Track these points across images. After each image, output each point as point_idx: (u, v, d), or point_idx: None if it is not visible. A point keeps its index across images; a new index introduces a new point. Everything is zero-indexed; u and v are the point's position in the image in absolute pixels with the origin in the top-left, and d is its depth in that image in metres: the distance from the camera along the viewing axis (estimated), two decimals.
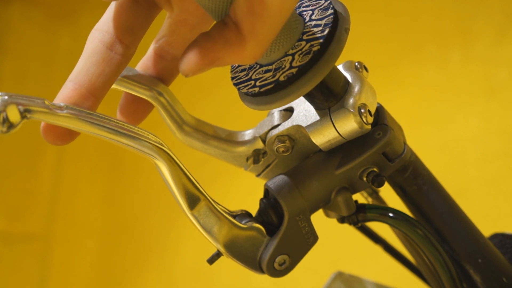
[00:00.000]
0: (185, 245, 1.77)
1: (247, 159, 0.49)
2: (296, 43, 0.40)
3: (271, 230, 0.44)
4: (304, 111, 0.45)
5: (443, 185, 0.50)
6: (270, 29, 0.35)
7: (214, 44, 0.35)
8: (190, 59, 0.35)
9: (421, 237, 0.47)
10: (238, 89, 0.42)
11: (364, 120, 0.43)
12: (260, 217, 0.45)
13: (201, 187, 0.42)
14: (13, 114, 0.33)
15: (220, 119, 1.14)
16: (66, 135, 0.38)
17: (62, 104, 0.36)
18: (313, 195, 0.44)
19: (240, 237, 0.43)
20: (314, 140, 0.44)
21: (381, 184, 0.44)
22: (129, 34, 0.41)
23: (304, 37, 0.40)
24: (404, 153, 0.45)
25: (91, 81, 0.39)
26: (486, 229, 0.52)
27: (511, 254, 0.53)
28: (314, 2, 0.42)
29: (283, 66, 0.40)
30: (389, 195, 0.53)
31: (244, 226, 0.43)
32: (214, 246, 0.43)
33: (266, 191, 0.45)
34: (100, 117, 0.37)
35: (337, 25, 0.40)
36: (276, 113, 0.48)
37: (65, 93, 0.38)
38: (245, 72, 0.43)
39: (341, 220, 0.47)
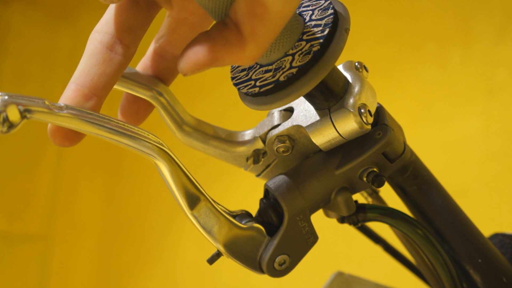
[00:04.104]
0: (185, 245, 1.77)
1: (247, 159, 0.49)
2: (296, 43, 0.40)
3: (271, 230, 0.44)
4: (304, 111, 0.45)
5: (443, 185, 0.50)
6: (270, 31, 0.35)
7: (214, 44, 0.35)
8: (190, 58, 0.35)
9: (421, 237, 0.47)
10: (238, 89, 0.42)
11: (364, 120, 0.43)
12: (260, 217, 0.45)
13: (201, 187, 0.42)
14: (13, 114, 0.33)
15: (220, 119, 1.14)
16: (73, 136, 0.38)
17: (62, 104, 0.36)
18: (313, 195, 0.44)
19: (240, 237, 0.43)
20: (314, 140, 0.44)
21: (381, 184, 0.44)
22: (129, 34, 0.41)
23: (304, 37, 0.40)
24: (404, 153, 0.45)
25: (93, 81, 0.39)
26: (486, 229, 0.52)
27: (511, 254, 0.53)
28: (314, 2, 0.42)
29: (283, 66, 0.40)
30: (389, 195, 0.53)
31: (244, 226, 0.43)
32: (214, 246, 0.43)
33: (266, 191, 0.45)
34: (100, 117, 0.37)
35: (337, 25, 0.40)
36: (276, 113, 0.48)
37: (68, 94, 0.38)
38: (245, 72, 0.43)
39: (341, 220, 0.47)
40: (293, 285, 1.31)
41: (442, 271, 0.47)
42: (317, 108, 0.44)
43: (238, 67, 0.44)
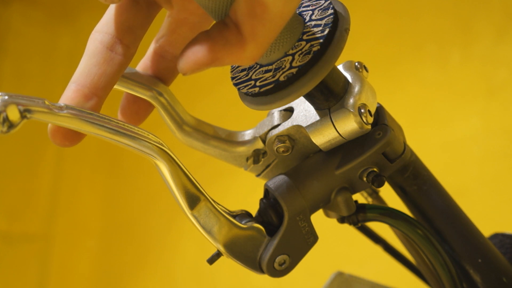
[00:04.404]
0: (185, 245, 1.77)
1: (247, 159, 0.49)
2: (296, 43, 0.40)
3: (271, 230, 0.44)
4: (304, 111, 0.45)
5: (443, 185, 0.50)
6: (270, 31, 0.36)
7: (214, 44, 0.35)
8: (189, 58, 0.35)
9: (421, 237, 0.47)
10: (238, 89, 0.42)
11: (364, 120, 0.43)
12: (260, 217, 0.45)
13: (201, 187, 0.42)
14: (13, 114, 0.33)
15: (220, 119, 1.14)
16: (74, 136, 0.38)
17: (62, 104, 0.36)
18: (313, 195, 0.44)
19: (240, 237, 0.43)
20: (314, 140, 0.44)
21: (381, 184, 0.44)
22: (129, 34, 0.41)
23: (304, 37, 0.40)
24: (404, 153, 0.45)
25: (93, 81, 0.39)
26: (486, 229, 0.52)
27: (511, 254, 0.53)
28: (314, 2, 0.42)
29: (283, 66, 0.40)
30: (389, 195, 0.53)
31: (244, 226, 0.43)
32: (214, 246, 0.43)
33: (266, 191, 0.45)
34: (100, 117, 0.37)
35: (337, 25, 0.40)
36: (276, 113, 0.48)
37: (68, 95, 0.38)
38: (245, 72, 0.43)
39: (341, 220, 0.47)
40: (293, 285, 1.31)
41: (442, 271, 0.47)
42: (317, 108, 0.44)
43: (238, 67, 0.44)
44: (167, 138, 0.42)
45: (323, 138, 0.44)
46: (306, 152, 0.47)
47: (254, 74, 0.42)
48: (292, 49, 0.40)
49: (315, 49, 0.39)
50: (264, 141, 0.48)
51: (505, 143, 1.45)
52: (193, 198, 0.41)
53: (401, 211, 0.47)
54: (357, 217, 0.46)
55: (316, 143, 0.45)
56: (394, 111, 0.48)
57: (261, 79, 0.41)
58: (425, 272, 0.55)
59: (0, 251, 1.90)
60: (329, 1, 0.41)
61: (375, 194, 0.55)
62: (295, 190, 0.44)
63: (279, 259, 0.44)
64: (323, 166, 0.45)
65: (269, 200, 0.45)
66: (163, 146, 0.39)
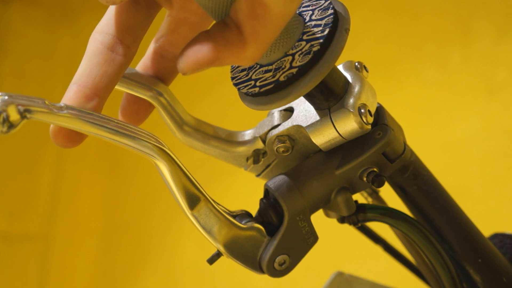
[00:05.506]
0: (185, 245, 1.77)
1: (247, 159, 0.49)
2: (296, 43, 0.40)
3: (271, 230, 0.44)
4: (304, 111, 0.45)
5: (443, 185, 0.50)
6: (271, 31, 0.36)
7: (215, 44, 0.35)
8: (190, 58, 0.35)
9: (421, 237, 0.47)
10: (238, 89, 0.42)
11: (364, 120, 0.43)
12: (260, 217, 0.45)
13: (201, 187, 0.42)
14: (13, 114, 0.33)
15: (220, 119, 1.14)
16: (75, 137, 0.38)
17: (62, 104, 0.36)
18: (313, 195, 0.44)
19: (240, 237, 0.43)
20: (314, 140, 0.44)
21: (381, 184, 0.44)
22: (129, 34, 0.41)
23: (304, 37, 0.40)
24: (404, 153, 0.45)
25: (94, 81, 0.39)
26: (486, 229, 0.52)
27: (511, 254, 0.53)
28: (314, 2, 0.42)
29: (283, 66, 0.40)
30: (389, 195, 0.53)
31: (244, 226, 0.43)
32: (214, 246, 0.43)
33: (266, 191, 0.45)
34: (100, 117, 0.37)
35: (337, 25, 0.40)
36: (276, 113, 0.48)
37: (70, 95, 0.38)
38: (245, 72, 0.43)
39: (341, 220, 0.47)
40: (293, 285, 1.31)
41: (442, 271, 0.47)
42: (317, 108, 0.44)
43: (238, 67, 0.44)
44: (167, 138, 0.42)
45: (323, 138, 0.44)
46: (306, 152, 0.47)
47: (254, 74, 0.42)
48: (292, 49, 0.40)
49: (315, 49, 0.39)
50: (264, 141, 0.48)
51: (505, 143, 1.45)
52: (193, 198, 0.41)
53: (401, 211, 0.47)
54: (357, 217, 0.46)
55: (316, 143, 0.45)
56: (394, 111, 0.48)
57: (261, 79, 0.41)
58: (425, 272, 0.55)
59: (0, 251, 1.90)
60: (329, 1, 0.41)
61: (375, 194, 0.55)
62: (295, 190, 0.44)
63: (279, 259, 0.44)
64: (323, 166, 0.45)
65: (269, 200, 0.45)
66: (163, 146, 0.39)
